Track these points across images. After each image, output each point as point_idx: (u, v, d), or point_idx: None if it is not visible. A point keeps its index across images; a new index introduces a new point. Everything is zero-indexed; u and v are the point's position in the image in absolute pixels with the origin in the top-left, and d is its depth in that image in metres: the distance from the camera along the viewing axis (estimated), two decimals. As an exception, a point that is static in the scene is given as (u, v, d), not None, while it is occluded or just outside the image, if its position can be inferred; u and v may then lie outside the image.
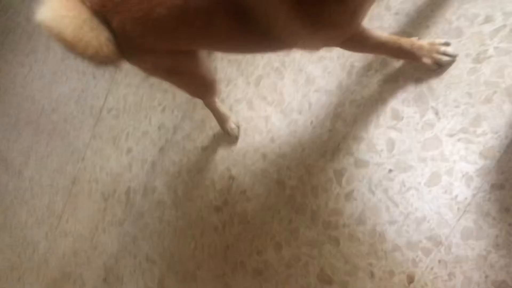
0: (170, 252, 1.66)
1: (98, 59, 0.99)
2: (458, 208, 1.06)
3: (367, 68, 1.27)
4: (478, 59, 1.07)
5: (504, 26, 1.07)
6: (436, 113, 1.12)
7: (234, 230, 1.50)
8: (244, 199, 1.48)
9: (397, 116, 1.18)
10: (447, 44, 1.12)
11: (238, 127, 1.52)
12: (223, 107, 1.52)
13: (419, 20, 1.21)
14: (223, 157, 1.54)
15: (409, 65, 1.18)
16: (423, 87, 1.15)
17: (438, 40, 1.13)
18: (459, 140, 1.08)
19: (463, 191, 1.06)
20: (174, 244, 1.65)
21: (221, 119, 1.53)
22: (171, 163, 1.71)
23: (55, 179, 2.18)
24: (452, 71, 1.10)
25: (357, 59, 1.29)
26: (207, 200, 1.58)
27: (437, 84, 1.12)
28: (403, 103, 1.17)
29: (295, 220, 1.35)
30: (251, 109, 1.49)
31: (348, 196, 1.24)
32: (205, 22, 0.93)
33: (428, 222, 1.10)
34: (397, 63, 1.20)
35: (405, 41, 1.13)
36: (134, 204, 1.81)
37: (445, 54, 1.12)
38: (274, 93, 1.44)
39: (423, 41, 1.14)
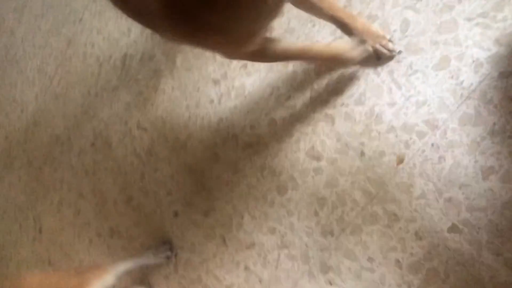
0: (162, 121, 1.66)
1: None
2: (462, 94, 1.06)
3: None
4: None
5: None
6: (458, -4, 1.07)
7: (230, 103, 1.49)
8: (244, 73, 1.45)
9: (417, -4, 1.13)
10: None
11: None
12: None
13: None
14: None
15: None
16: (450, -32, 1.09)
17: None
18: (477, 24, 1.04)
19: (470, 77, 1.05)
20: (167, 113, 1.64)
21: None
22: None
23: (49, 40, 2.11)
24: (485, -51, 1.04)
25: None
26: (206, 72, 1.55)
27: (466, -36, 1.07)
28: (426, -17, 1.12)
29: (293, 97, 1.34)
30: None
31: (352, 75, 1.22)
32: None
33: (428, 106, 1.10)
34: None
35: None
36: (129, 70, 1.77)
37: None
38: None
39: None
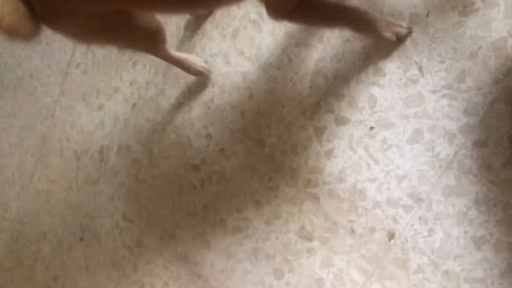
0: (148, 211, 1.63)
1: (11, 28, 0.84)
2: (440, 166, 1.06)
3: (349, 21, 1.21)
4: (464, 12, 1.03)
5: (492, -24, 1.02)
6: (420, 69, 1.09)
7: (213, 188, 1.47)
8: (222, 157, 1.45)
9: (379, 72, 1.14)
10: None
11: (207, 62, 1.45)
12: (181, 53, 1.44)
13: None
14: (199, 114, 1.49)
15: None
16: (407, 42, 1.11)
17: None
18: (442, 96, 1.05)
19: (445, 148, 1.05)
20: (152, 203, 1.62)
21: (185, 64, 1.42)
22: (145, 120, 1.65)
23: (24, 137, 2.09)
24: (438, 25, 1.06)
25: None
26: (184, 159, 1.54)
27: (422, 38, 1.08)
28: (386, 58, 1.13)
29: (274, 178, 1.33)
30: (227, 64, 1.43)
31: (329, 153, 1.22)
32: None
33: (409, 179, 1.10)
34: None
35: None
36: (108, 162, 1.76)
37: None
38: (252, 48, 1.37)
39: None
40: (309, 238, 1.26)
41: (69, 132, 1.90)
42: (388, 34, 1.07)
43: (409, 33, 1.08)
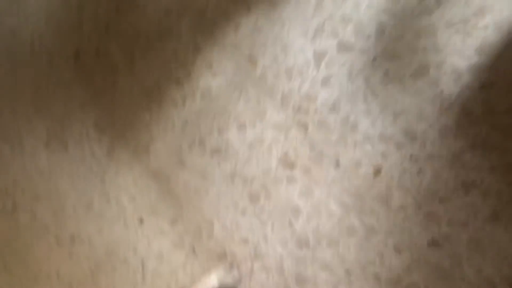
0: (122, 123, 1.54)
1: None
2: (441, 105, 1.01)
3: None
4: None
5: None
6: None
7: (195, 106, 1.39)
8: (209, 73, 1.36)
9: (394, -2, 1.06)
10: None
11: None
12: None
13: None
14: (189, 25, 1.38)
15: None
16: (429, -32, 1.02)
17: None
18: (457, 31, 0.99)
19: (450, 87, 1.00)
20: (128, 115, 1.53)
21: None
22: (128, 25, 1.52)
23: (-9, 30, 1.92)
24: (467, -49, 0.97)
25: None
26: (168, 71, 1.44)
27: (446, -35, 1.00)
28: (404, -16, 1.05)
29: (263, 101, 1.26)
30: (228, -28, 1.31)
31: (325, 81, 1.15)
32: None
33: (406, 116, 1.05)
34: None
35: None
36: (83, 66, 1.64)
37: None
38: (257, -44, 1.25)
39: None
40: (291, 167, 1.21)
41: (44, 29, 1.75)
42: None
43: None
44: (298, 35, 1.19)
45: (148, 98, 1.48)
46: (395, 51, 1.06)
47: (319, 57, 1.16)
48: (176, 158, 1.42)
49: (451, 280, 1.00)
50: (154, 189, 1.48)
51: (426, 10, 1.02)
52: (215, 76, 1.34)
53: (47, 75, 1.76)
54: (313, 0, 1.17)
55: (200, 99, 1.37)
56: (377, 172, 1.09)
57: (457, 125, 0.99)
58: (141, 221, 1.51)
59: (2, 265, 1.91)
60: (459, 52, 0.99)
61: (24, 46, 1.82)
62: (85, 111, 1.64)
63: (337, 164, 1.14)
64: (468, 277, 0.98)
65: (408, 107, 1.05)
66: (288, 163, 1.21)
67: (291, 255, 1.21)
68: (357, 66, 1.11)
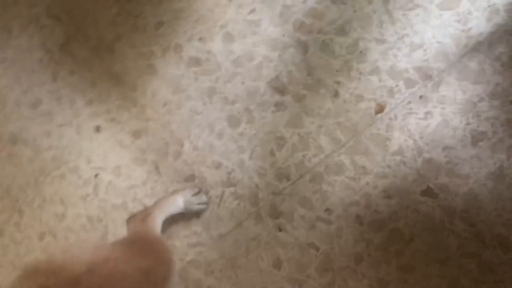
0: (83, 12, 1.31)
1: None
2: (467, 44, 0.90)
3: None
4: None
5: None
6: None
7: (175, 4, 1.19)
8: (196, -33, 1.14)
9: None
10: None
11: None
12: None
13: None
14: None
15: None
16: None
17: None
18: (505, -40, 0.85)
19: (480, 25, 0.89)
20: (90, 3, 1.29)
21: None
22: None
23: None
24: None
25: None
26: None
27: None
28: None
29: (259, 10, 1.08)
30: None
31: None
32: None
33: (425, 50, 0.93)
34: None
35: None
36: None
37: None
38: None
39: None
40: (282, 91, 1.08)
41: None
42: None
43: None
44: None
45: (117, -13, 1.25)
46: (426, -27, 0.91)
47: (333, -33, 0.99)
48: (145, 63, 1.24)
49: (439, 232, 0.95)
50: (116, 95, 1.29)
51: None
52: (204, -28, 1.13)
53: None
54: None
55: (181, -3, 1.17)
56: (380, 109, 0.98)
57: (480, 69, 0.89)
58: (97, 129, 1.34)
59: None
60: (500, -15, 0.86)
61: None
62: (36, -8, 1.37)
63: (336, 95, 1.02)
64: (457, 230, 0.94)
65: (429, 41, 0.93)
66: (278, 87, 1.08)
67: (268, 186, 1.12)
68: (378, -16, 0.95)
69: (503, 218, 0.90)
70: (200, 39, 1.15)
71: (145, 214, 1.07)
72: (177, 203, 1.14)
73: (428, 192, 0.96)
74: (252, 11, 1.08)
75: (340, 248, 1.05)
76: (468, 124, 0.92)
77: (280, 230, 1.11)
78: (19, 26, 1.42)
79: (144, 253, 0.86)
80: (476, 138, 0.91)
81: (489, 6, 0.87)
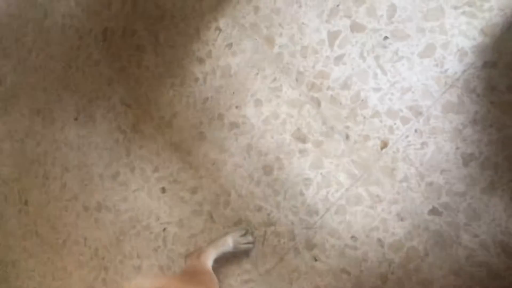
0: (147, 98, 1.64)
1: None
2: (446, 82, 1.08)
3: None
4: None
5: None
6: (446, -17, 1.07)
7: (216, 83, 1.48)
8: (229, 52, 1.44)
9: (404, -19, 1.12)
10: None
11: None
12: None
13: None
14: (211, 5, 1.46)
15: None
16: (438, -47, 1.08)
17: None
18: (463, 13, 1.05)
19: (454, 66, 1.07)
20: (152, 91, 1.63)
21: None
22: (154, 6, 1.61)
23: (24, 10, 2.03)
24: None
25: None
26: (190, 50, 1.53)
27: (454, -50, 1.06)
28: (414, -32, 1.12)
29: (279, 79, 1.34)
30: (248, -44, 1.38)
31: (338, 59, 1.23)
32: None
33: (413, 92, 1.12)
34: None
35: None
36: (111, 45, 1.74)
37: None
38: None
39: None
40: (303, 140, 1.30)
41: (74, 9, 1.85)
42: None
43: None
44: (314, 15, 1.27)
45: (171, 75, 1.58)
46: (405, 31, 1.13)
47: (333, 36, 1.24)
48: (196, 132, 1.52)
49: (448, 245, 1.08)
50: (176, 160, 1.58)
51: (434, -8, 1.09)
52: (235, 54, 1.42)
53: (77, 53, 1.87)
54: (328, -17, 1.24)
55: (220, 76, 1.46)
56: (384, 145, 1.17)
57: (460, 102, 1.06)
58: (163, 190, 1.62)
59: (34, 230, 2.05)
60: (464, 33, 1.05)
61: (55, 26, 1.93)
62: (112, 88, 1.75)
63: (347, 138, 1.22)
64: (464, 242, 1.06)
65: (415, 84, 1.12)
66: (300, 137, 1.30)
67: (302, 222, 1.30)
68: (369, 45, 1.18)
69: (502, 227, 1.02)
70: (237, 107, 1.42)
71: (200, 251, 1.30)
72: (227, 243, 1.35)
73: (434, 211, 1.10)
74: (274, 79, 1.34)
75: (367, 270, 1.19)
76: (457, 148, 1.07)
77: (315, 260, 1.28)
78: (100, 115, 1.79)
79: (197, 282, 1.08)
80: (466, 160, 1.06)
81: (458, 50, 1.06)
